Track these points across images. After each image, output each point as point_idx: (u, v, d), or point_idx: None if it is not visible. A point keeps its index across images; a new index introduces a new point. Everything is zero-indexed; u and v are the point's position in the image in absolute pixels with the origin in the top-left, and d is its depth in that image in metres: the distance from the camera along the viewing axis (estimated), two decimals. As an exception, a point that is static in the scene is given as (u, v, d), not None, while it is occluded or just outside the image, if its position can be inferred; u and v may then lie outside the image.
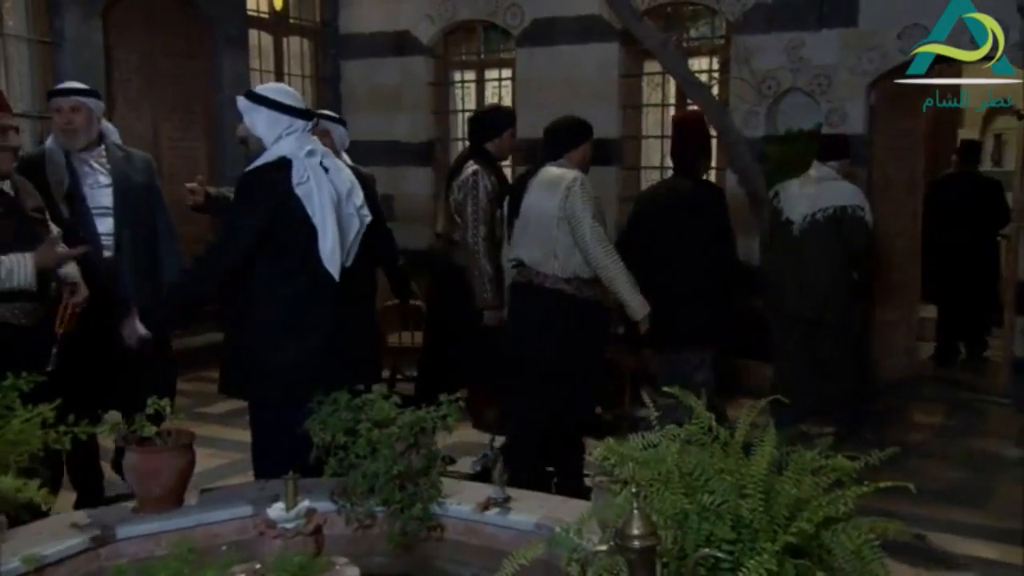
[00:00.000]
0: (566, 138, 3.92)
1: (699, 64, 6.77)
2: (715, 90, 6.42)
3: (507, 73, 7.49)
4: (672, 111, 6.94)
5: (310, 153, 2.89)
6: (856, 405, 5.05)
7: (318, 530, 2.09)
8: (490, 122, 4.42)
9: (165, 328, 3.08)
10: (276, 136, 2.89)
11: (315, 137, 3.05)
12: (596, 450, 1.84)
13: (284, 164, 2.85)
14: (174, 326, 3.08)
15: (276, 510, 2.09)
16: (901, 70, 5.98)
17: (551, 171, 3.80)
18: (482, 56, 7.63)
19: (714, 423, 1.79)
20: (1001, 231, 6.78)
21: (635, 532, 1.39)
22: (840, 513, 1.61)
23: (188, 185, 3.72)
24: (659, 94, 7.02)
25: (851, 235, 4.74)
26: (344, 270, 2.91)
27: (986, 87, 5.86)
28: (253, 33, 7.14)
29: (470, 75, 7.75)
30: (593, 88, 6.83)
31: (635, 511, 1.41)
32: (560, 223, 3.63)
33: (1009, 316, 5.89)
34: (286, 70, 7.53)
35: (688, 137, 4.54)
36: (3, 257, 2.88)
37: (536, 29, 7.01)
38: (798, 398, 4.43)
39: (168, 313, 3.11)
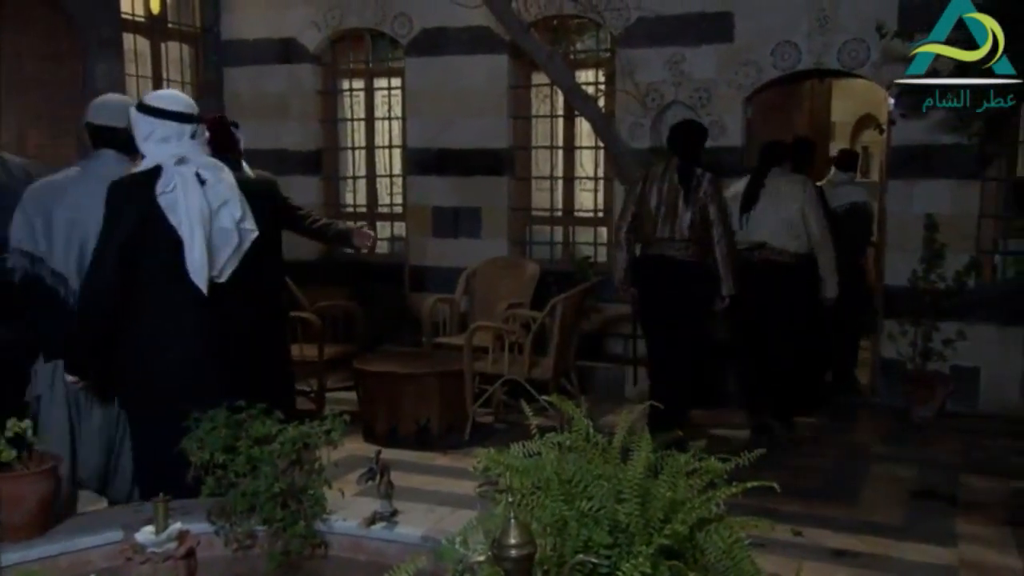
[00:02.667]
0: (784, 152, 5.38)
1: (586, 76, 6.90)
2: (601, 102, 6.56)
3: (396, 82, 7.45)
4: (561, 122, 7.06)
5: (181, 161, 2.78)
6: None
7: (190, 553, 2.01)
8: (701, 134, 5.10)
9: (80, 373, 2.92)
10: (142, 139, 2.81)
11: (198, 143, 2.91)
12: (479, 460, 1.84)
13: (153, 173, 2.75)
14: (85, 368, 2.91)
15: (145, 534, 2.00)
16: (775, 85, 6.28)
17: (785, 175, 5.25)
18: (370, 65, 7.57)
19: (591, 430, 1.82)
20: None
21: (512, 541, 1.39)
22: (713, 514, 1.66)
23: None
24: (548, 105, 7.12)
25: (861, 224, 6.20)
26: (219, 285, 2.81)
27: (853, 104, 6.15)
28: (128, 37, 6.84)
29: (359, 84, 7.67)
30: (483, 98, 6.88)
31: (511, 520, 1.41)
32: (803, 215, 5.10)
33: (877, 319, 6.23)
34: (165, 76, 7.26)
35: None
36: None
37: (425, 39, 7.01)
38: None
39: (75, 357, 2.88)
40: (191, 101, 2.95)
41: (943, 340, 5.82)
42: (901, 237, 5.94)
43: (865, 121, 10.18)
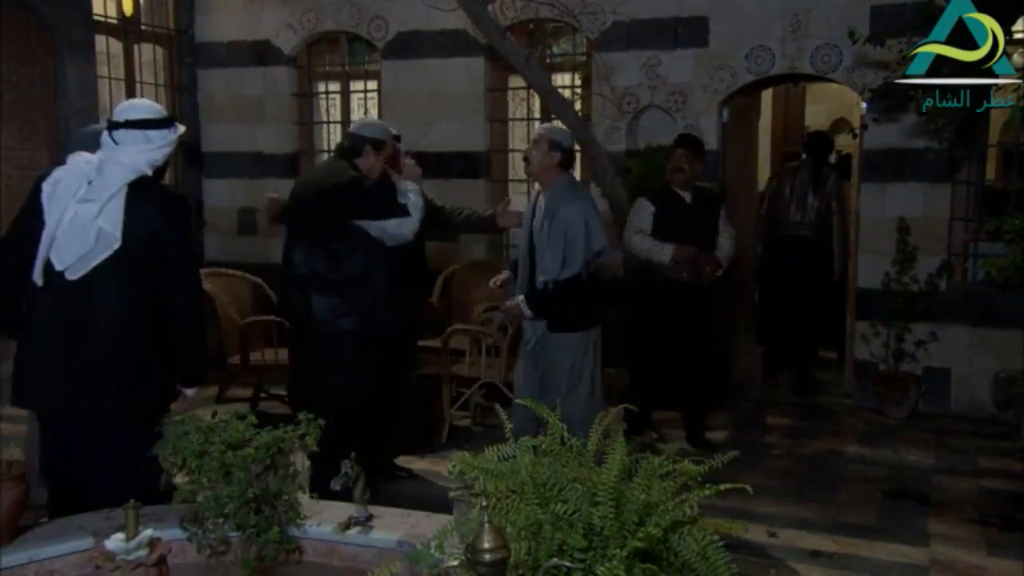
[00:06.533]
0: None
1: (562, 80, 6.91)
2: (578, 105, 6.57)
3: (372, 85, 7.42)
4: (537, 125, 7.05)
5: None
6: None
7: (162, 560, 1.99)
8: (830, 143, 6.72)
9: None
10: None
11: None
12: (454, 464, 1.84)
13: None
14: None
15: (115, 541, 1.97)
16: (749, 89, 6.32)
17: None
18: (347, 67, 7.53)
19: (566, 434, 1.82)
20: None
21: (485, 546, 1.39)
22: (687, 516, 1.67)
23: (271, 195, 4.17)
24: (524, 108, 7.12)
25: None
26: (72, 283, 2.77)
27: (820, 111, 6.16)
28: (100, 39, 6.76)
29: (335, 86, 7.63)
30: (460, 101, 6.87)
31: (485, 525, 1.41)
32: None
33: (850, 321, 6.29)
34: (138, 78, 7.19)
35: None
36: None
37: (401, 42, 6.99)
38: None
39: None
40: None
41: (915, 341, 5.89)
42: (873, 240, 6.00)
43: (839, 125, 10.28)
